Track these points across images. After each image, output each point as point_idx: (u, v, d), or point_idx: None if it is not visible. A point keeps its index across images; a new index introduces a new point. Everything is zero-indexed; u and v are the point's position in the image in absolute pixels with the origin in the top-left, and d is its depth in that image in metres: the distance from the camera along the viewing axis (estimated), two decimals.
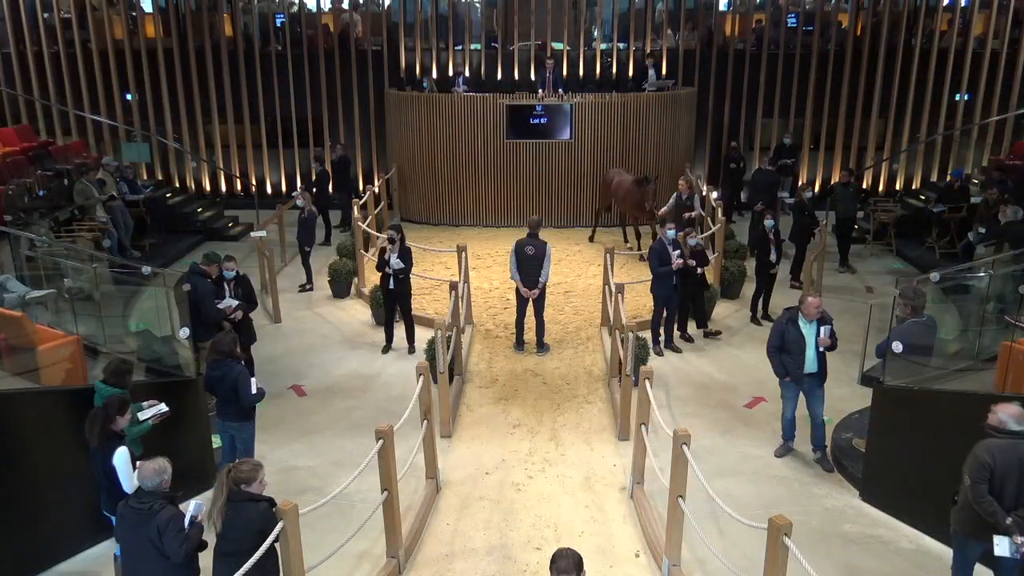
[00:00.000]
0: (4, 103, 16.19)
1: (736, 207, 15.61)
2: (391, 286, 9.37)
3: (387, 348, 9.73)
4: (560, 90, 14.61)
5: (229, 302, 8.20)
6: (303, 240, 11.78)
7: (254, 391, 6.34)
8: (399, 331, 9.83)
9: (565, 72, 15.98)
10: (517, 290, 9.53)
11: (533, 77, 16.06)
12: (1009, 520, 4.65)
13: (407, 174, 15.33)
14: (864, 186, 16.75)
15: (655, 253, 9.30)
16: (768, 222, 10.26)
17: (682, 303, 9.72)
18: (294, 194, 13.90)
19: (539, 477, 7.10)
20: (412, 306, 9.86)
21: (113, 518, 5.04)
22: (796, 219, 11.99)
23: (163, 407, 5.90)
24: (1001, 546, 4.69)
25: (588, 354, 9.68)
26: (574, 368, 9.29)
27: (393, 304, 9.60)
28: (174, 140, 16.40)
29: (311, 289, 12.01)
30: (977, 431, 5.89)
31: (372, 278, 11.71)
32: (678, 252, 9.26)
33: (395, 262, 9.22)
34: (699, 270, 9.66)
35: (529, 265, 9.32)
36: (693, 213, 10.95)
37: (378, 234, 13.18)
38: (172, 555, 4.36)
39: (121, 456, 5.24)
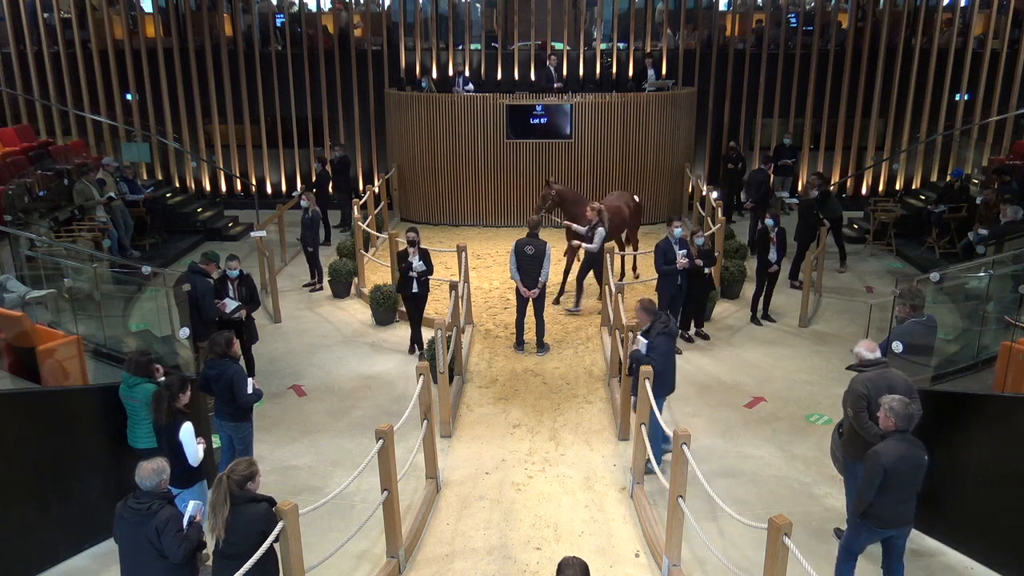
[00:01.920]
0: (4, 103, 16.20)
1: (736, 207, 15.63)
2: (415, 289, 9.30)
3: (413, 348, 9.68)
4: (560, 83, 14.60)
5: (230, 302, 8.21)
6: (308, 240, 11.78)
7: (250, 391, 6.33)
8: (405, 331, 9.83)
9: (565, 72, 15.99)
10: (517, 290, 9.53)
11: (533, 77, 16.06)
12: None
13: (407, 174, 15.33)
14: (864, 186, 16.79)
15: (660, 251, 9.28)
16: (769, 221, 10.26)
17: (686, 303, 9.72)
18: (295, 194, 13.94)
19: (539, 477, 7.10)
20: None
21: (175, 490, 5.29)
22: (802, 219, 11.98)
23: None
24: None
25: (588, 354, 9.68)
26: (574, 368, 9.29)
27: (414, 308, 9.52)
28: (174, 140, 16.40)
29: (320, 288, 12.01)
30: (977, 431, 5.93)
31: (372, 278, 11.74)
32: (684, 251, 9.23)
33: (418, 264, 9.19)
34: (706, 270, 9.65)
35: (529, 265, 9.32)
36: (588, 246, 10.20)
37: (378, 234, 13.20)
38: (171, 555, 4.36)
39: (186, 431, 5.53)
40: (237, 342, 6.59)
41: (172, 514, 4.43)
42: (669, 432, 5.87)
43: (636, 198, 11.87)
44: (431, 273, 9.38)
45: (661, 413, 6.94)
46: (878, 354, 5.85)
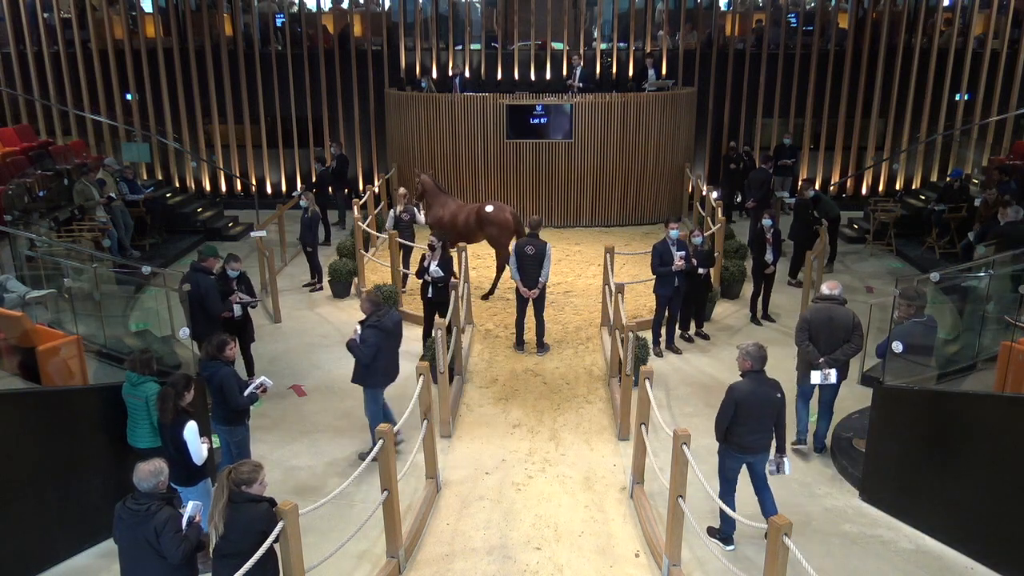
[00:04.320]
0: (4, 103, 16.20)
1: (737, 207, 15.64)
2: (430, 294, 9.10)
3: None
4: (580, 86, 14.66)
5: (243, 296, 8.28)
6: (306, 240, 11.78)
7: (246, 393, 6.32)
8: (405, 331, 9.77)
9: (565, 72, 16.00)
10: (517, 290, 9.53)
11: (533, 78, 16.08)
12: (821, 360, 7.03)
13: (407, 174, 15.32)
14: (864, 186, 16.80)
15: (656, 253, 9.27)
16: (766, 221, 10.25)
17: (686, 303, 9.71)
18: (295, 194, 13.95)
19: (539, 477, 7.11)
20: (412, 308, 9.76)
21: (179, 488, 5.48)
22: (797, 218, 11.98)
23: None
24: (814, 377, 7.14)
25: (588, 354, 9.68)
26: (574, 368, 9.29)
27: (432, 313, 9.15)
28: (174, 140, 16.40)
29: (320, 288, 12.01)
30: (977, 431, 5.93)
31: (372, 278, 11.74)
32: (682, 253, 9.20)
33: (434, 270, 8.97)
34: (700, 271, 9.62)
35: (529, 265, 9.32)
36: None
37: (378, 234, 13.20)
38: (169, 556, 4.36)
39: (190, 430, 5.52)
40: (233, 346, 6.57)
41: (171, 515, 4.43)
42: (669, 432, 5.88)
43: (489, 208, 11.07)
44: (448, 280, 9.08)
45: (378, 402, 7.26)
46: (835, 293, 7.19)
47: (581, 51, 15.77)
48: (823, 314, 7.10)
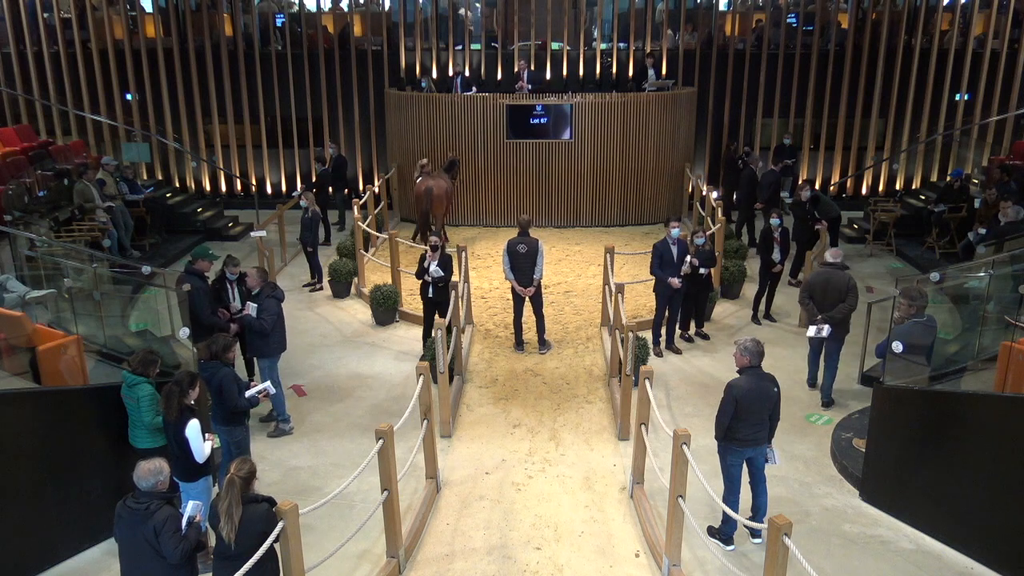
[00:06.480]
0: (4, 103, 16.20)
1: (735, 207, 15.60)
2: (430, 294, 9.12)
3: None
4: (529, 88, 14.65)
5: (239, 306, 8.21)
6: (307, 240, 11.77)
7: (248, 396, 6.31)
8: (405, 331, 9.79)
9: (565, 72, 16.00)
10: (513, 289, 9.52)
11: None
12: (819, 317, 8.14)
13: (407, 174, 15.32)
14: (864, 186, 16.79)
15: (656, 252, 9.28)
16: (774, 220, 10.25)
17: (685, 303, 9.71)
18: (295, 194, 13.94)
19: (539, 477, 7.11)
20: (412, 308, 9.74)
21: (180, 483, 5.57)
22: (797, 218, 11.99)
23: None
24: (810, 330, 8.19)
25: (588, 354, 9.68)
26: (574, 368, 9.29)
27: (432, 313, 9.18)
28: (174, 140, 16.40)
29: (320, 288, 12.02)
30: (976, 431, 5.93)
31: (372, 278, 11.73)
32: (687, 257, 9.21)
33: (435, 269, 8.99)
34: (702, 271, 9.61)
35: (523, 263, 9.33)
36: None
37: (378, 234, 13.21)
38: (169, 556, 4.35)
39: (193, 428, 5.56)
40: (236, 349, 6.57)
41: (170, 514, 4.43)
42: (669, 432, 5.88)
43: (423, 180, 12.95)
44: (448, 280, 9.10)
45: (274, 372, 7.79)
46: (836, 260, 8.27)
47: (532, 54, 15.77)
48: (822, 277, 8.20)
